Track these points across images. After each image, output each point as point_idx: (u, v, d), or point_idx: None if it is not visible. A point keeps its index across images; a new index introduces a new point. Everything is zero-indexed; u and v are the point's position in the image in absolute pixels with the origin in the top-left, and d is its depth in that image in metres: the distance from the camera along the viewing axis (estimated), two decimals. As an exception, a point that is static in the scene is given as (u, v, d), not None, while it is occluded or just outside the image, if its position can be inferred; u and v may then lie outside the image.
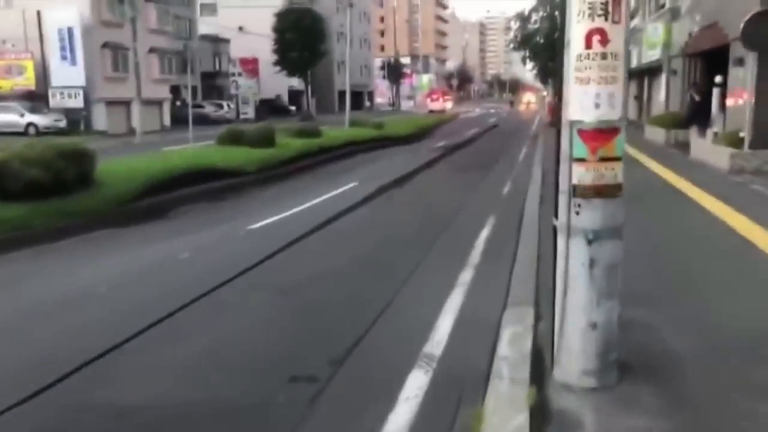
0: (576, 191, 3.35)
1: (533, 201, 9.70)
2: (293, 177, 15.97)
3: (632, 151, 16.91)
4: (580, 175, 3.34)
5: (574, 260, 3.39)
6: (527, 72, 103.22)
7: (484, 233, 7.86)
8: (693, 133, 16.83)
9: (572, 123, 3.35)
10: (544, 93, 68.86)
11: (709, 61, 16.83)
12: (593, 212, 3.34)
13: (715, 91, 15.12)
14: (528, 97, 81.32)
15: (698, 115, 16.64)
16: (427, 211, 10.05)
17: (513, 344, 4.04)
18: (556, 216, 3.54)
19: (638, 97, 35.52)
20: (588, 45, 3.26)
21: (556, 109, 15.16)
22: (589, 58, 3.27)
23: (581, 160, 3.33)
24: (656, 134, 19.72)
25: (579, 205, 3.35)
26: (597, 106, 3.28)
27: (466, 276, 5.93)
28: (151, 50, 35.42)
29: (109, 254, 7.74)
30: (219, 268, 6.56)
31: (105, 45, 32.54)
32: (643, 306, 4.40)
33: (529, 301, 4.96)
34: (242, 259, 6.78)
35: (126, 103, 32.86)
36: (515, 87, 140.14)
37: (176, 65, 42.32)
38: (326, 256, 7.03)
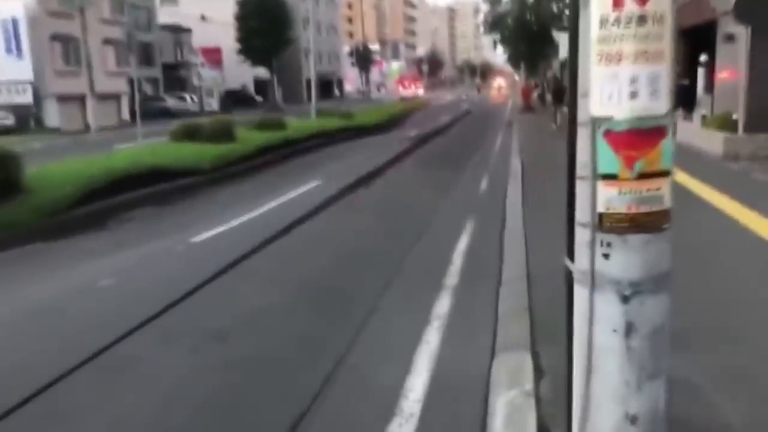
0: (603, 223, 2.24)
1: (515, 200, 8.63)
2: (252, 175, 14.73)
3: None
4: (610, 199, 2.22)
5: (603, 325, 2.28)
6: (497, 57, 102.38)
7: (462, 243, 6.74)
8: (676, 116, 15.94)
9: (595, 121, 2.23)
10: (516, 77, 68.02)
11: (692, 39, 15.91)
12: (630, 254, 2.23)
13: (701, 71, 14.23)
14: (499, 82, 79.75)
15: (682, 97, 15.74)
16: (396, 216, 8.89)
17: (509, 426, 2.94)
18: (570, 257, 2.45)
19: (612, 80, 34.79)
20: (618, 3, 2.15)
21: (529, 92, 14.11)
22: (619, 24, 2.15)
23: (611, 177, 2.22)
24: (636, 118, 18.84)
25: (608, 244, 2.24)
26: (633, 95, 2.16)
27: (442, 306, 4.79)
28: (106, 42, 33.59)
29: (19, 280, 6.48)
30: (141, 301, 5.36)
31: (54, 37, 30.67)
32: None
33: (524, 342, 3.88)
34: (172, 288, 5.59)
35: (80, 98, 31.10)
36: (486, 72, 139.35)
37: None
38: (273, 282, 5.81)
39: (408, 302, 4.95)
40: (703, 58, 14.12)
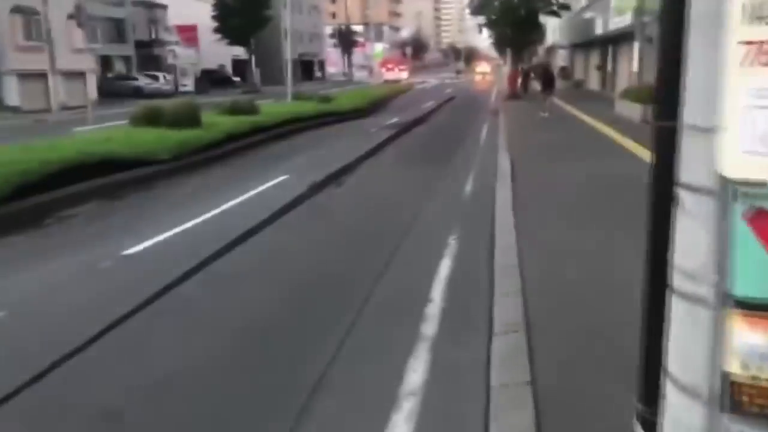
0: (734, 394, 1.10)
1: (505, 209, 7.48)
2: (216, 165, 13.45)
3: (608, 131, 14.91)
4: (752, 348, 1.08)
5: None
6: (482, 42, 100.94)
7: (444, 269, 5.55)
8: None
9: (729, 189, 1.08)
10: (500, 62, 66.58)
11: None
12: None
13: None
14: (482, 68, 77.23)
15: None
16: (367, 225, 7.65)
17: None
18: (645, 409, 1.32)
19: (601, 68, 33.74)
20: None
21: (516, 79, 12.57)
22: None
23: (760, 306, 1.07)
24: (630, 110, 17.75)
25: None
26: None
27: (415, 375, 3.59)
28: (70, 16, 31.67)
29: None
30: (26, 353, 4.15)
31: (15, 9, 28.76)
32: None
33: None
34: (66, 334, 4.36)
35: (43, 76, 29.27)
36: (470, 56, 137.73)
37: (104, 33, 38.62)
38: (201, 327, 4.54)
39: (370, 368, 3.74)
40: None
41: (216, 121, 17.32)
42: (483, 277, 5.25)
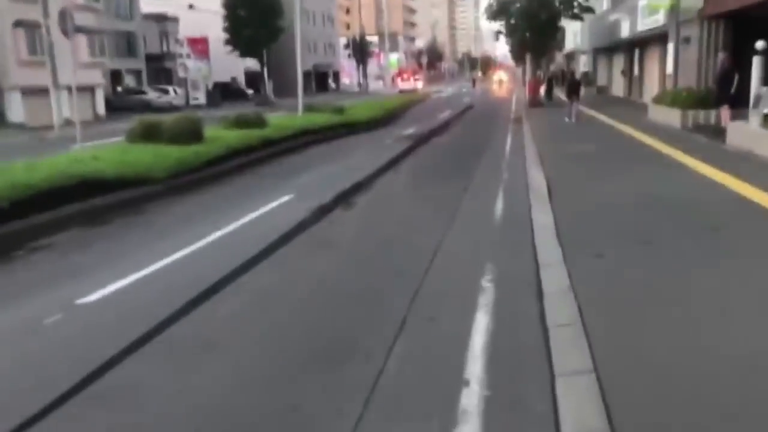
0: None
1: (548, 238, 6.11)
2: (216, 183, 12.23)
3: (648, 140, 13.43)
4: None
5: None
6: (498, 50, 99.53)
7: (479, 330, 4.14)
8: (723, 114, 13.42)
9: None
10: (517, 70, 65.16)
11: (740, 24, 13.38)
12: None
13: (757, 61, 11.68)
14: (499, 75, 76.70)
15: (730, 92, 13.24)
16: (376, 262, 6.24)
17: None
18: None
19: (625, 73, 32.20)
20: None
21: (537, 86, 10.94)
22: None
23: None
24: (667, 116, 16.28)
25: None
26: None
27: None
28: (78, 30, 30.82)
29: None
30: None
31: (18, 24, 27.96)
32: None
33: None
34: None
35: (48, 91, 28.46)
36: (486, 65, 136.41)
37: (111, 47, 37.88)
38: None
39: None
40: (759, 45, 11.58)
41: (220, 136, 16.15)
42: (534, 341, 3.90)
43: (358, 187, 10.54)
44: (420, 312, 4.63)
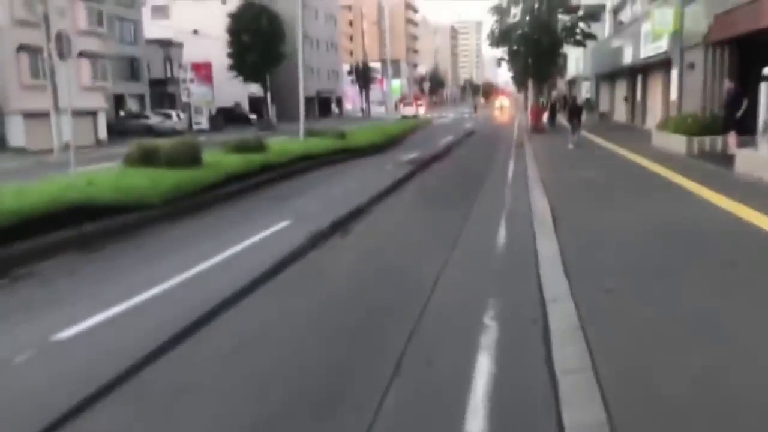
0: None
1: (553, 271, 5.79)
2: (212, 209, 11.97)
3: (654, 167, 13.14)
4: None
5: None
6: (499, 76, 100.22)
7: (481, 375, 3.77)
8: (731, 141, 13.17)
9: None
10: (519, 96, 65.34)
11: (745, 49, 13.18)
12: None
13: (765, 87, 11.45)
14: (501, 101, 77.29)
15: (736, 118, 13.00)
16: (371, 294, 5.86)
17: None
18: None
19: (627, 99, 32.11)
20: None
21: (539, 112, 10.73)
22: None
23: None
24: (672, 142, 16.03)
25: None
26: None
27: None
28: (81, 54, 30.93)
29: None
30: None
31: (21, 48, 28.00)
32: None
33: None
34: None
35: (49, 115, 28.43)
36: (488, 91, 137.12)
37: (115, 71, 37.98)
38: None
39: None
40: (767, 70, 11.36)
41: (219, 160, 15.91)
42: (541, 388, 3.56)
43: (357, 213, 10.25)
44: (416, 353, 4.29)
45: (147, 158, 14.64)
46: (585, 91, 42.52)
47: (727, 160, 12.64)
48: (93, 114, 32.00)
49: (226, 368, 4.31)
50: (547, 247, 6.79)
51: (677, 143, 15.56)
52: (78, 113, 30.50)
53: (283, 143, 21.38)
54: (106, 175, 13.26)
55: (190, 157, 14.81)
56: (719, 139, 14.24)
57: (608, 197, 10.05)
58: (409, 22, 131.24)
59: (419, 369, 4.03)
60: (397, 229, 9.47)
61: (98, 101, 32.61)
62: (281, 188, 14.77)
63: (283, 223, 9.61)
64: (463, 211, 10.00)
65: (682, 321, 4.37)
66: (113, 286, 6.51)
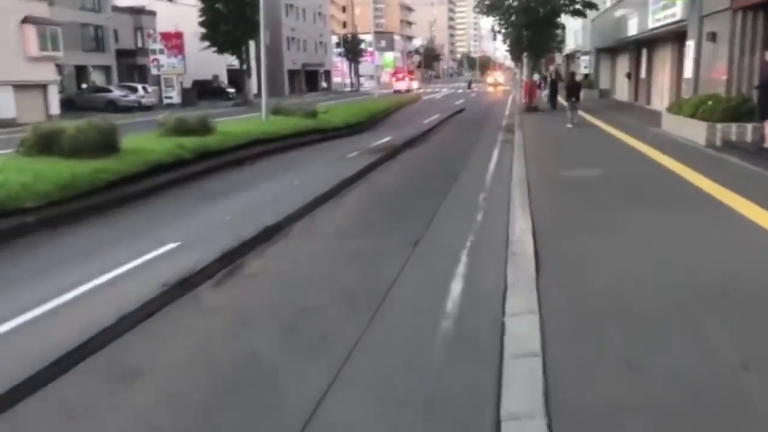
0: None
1: (529, 390, 3.17)
2: (108, 215, 9.38)
3: (667, 162, 10.27)
4: None
5: None
6: (498, 50, 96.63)
7: None
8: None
9: None
10: (516, 71, 62.30)
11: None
12: None
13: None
14: (495, 77, 74.25)
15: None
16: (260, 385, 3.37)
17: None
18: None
19: (630, 75, 29.24)
20: None
21: (534, 89, 7.17)
22: None
23: None
24: (687, 129, 13.34)
25: None
26: None
27: None
28: (25, 20, 27.91)
29: None
30: None
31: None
32: None
33: None
34: None
35: (-10, 88, 25.56)
36: (485, 65, 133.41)
37: (75, 41, 34.92)
38: None
39: None
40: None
41: (144, 147, 13.21)
42: None
43: (292, 218, 7.65)
44: None
45: (47, 145, 11.91)
46: (584, 67, 39.54)
47: (762, 154, 10.01)
48: (42, 87, 29.04)
49: None
50: (522, 326, 4.15)
51: (694, 130, 12.87)
52: (26, 86, 27.71)
53: (236, 124, 18.62)
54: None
55: (102, 143, 12.10)
56: (749, 128, 11.55)
57: (612, 214, 7.32)
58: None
59: None
60: (317, 259, 6.63)
61: (48, 73, 29.61)
62: (211, 183, 12.13)
63: (172, 245, 6.96)
64: (414, 234, 7.21)
65: None
66: None
